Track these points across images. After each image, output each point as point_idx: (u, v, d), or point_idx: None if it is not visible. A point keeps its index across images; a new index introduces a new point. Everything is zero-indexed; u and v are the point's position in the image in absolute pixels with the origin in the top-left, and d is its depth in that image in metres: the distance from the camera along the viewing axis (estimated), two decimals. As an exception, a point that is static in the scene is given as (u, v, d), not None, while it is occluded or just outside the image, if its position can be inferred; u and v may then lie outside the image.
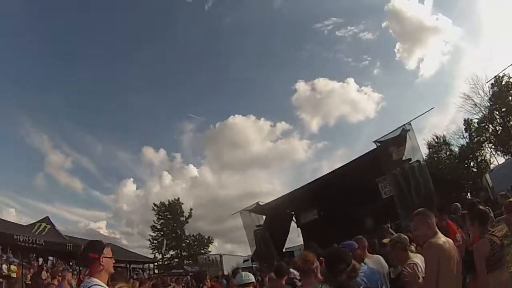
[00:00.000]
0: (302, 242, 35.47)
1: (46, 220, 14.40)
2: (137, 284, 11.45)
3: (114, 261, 3.56)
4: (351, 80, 72.21)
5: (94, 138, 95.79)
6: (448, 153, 37.97)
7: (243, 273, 4.99)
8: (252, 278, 4.72)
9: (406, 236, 5.02)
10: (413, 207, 20.75)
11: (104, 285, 3.21)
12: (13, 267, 21.01)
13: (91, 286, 3.13)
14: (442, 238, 3.77)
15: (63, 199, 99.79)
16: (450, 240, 3.90)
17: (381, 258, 5.63)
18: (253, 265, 36.78)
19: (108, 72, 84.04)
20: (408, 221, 20.08)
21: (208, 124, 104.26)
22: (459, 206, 11.35)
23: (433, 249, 3.67)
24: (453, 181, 32.80)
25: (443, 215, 7.29)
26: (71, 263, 26.21)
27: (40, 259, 24.17)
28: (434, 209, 19.42)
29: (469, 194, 33.95)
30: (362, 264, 4.46)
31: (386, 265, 5.56)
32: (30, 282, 15.23)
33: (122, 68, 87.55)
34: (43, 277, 14.81)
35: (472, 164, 37.18)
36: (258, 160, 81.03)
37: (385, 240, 6.29)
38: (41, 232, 13.21)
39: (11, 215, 61.39)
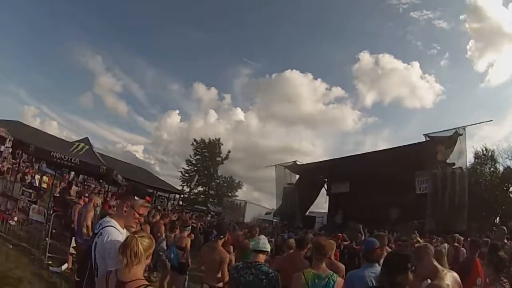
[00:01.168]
0: (326, 210, 36.11)
1: (85, 140, 14.71)
2: (158, 216, 11.75)
3: (140, 219, 3.45)
4: (416, 64, 70.67)
5: (148, 66, 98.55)
6: (492, 169, 36.27)
7: (262, 240, 4.82)
8: (268, 247, 4.68)
9: (431, 248, 4.93)
10: (443, 213, 20.58)
11: (120, 229, 3.19)
12: (45, 178, 21.93)
13: (106, 226, 3.13)
14: (446, 280, 3.48)
15: (106, 119, 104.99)
16: (455, 277, 3.68)
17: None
18: (274, 220, 37.49)
19: (172, 4, 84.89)
20: (432, 225, 19.98)
21: (263, 73, 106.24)
22: (505, 231, 10.83)
23: None
24: (488, 200, 31.84)
25: (474, 251, 6.86)
26: (101, 181, 27.23)
27: (72, 173, 25.17)
28: (461, 222, 19.30)
29: (498, 218, 32.98)
30: (376, 265, 4.36)
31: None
32: (58, 195, 15.76)
33: (188, 3, 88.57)
34: (71, 193, 15.32)
35: (511, 189, 35.20)
36: (306, 119, 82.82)
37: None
38: (78, 152, 13.50)
39: (53, 128, 64.43)
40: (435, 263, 3.59)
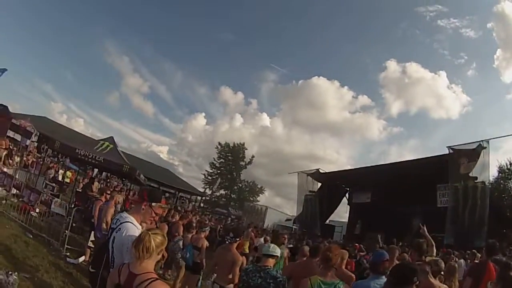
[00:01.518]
0: (346, 220, 36.00)
1: (110, 139, 15.09)
2: (177, 216, 11.93)
3: (155, 218, 3.65)
4: (443, 74, 70.08)
5: (176, 68, 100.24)
6: (515, 185, 35.26)
7: (272, 244, 4.98)
8: (277, 252, 4.76)
9: (441, 264, 4.94)
10: (462, 228, 20.33)
11: (137, 225, 3.35)
12: (68, 173, 22.33)
13: (124, 222, 3.29)
14: None
15: (132, 119, 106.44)
16: None
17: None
18: (293, 226, 37.50)
19: (201, 8, 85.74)
20: (451, 239, 19.71)
21: (290, 79, 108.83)
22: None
23: None
24: (509, 217, 31.28)
25: (490, 255, 6.76)
26: (123, 179, 27.58)
27: (96, 169, 25.56)
28: (480, 238, 18.99)
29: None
30: (383, 276, 4.41)
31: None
32: (80, 190, 16.06)
33: (216, 7, 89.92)
34: (93, 189, 15.57)
35: None
36: (331, 126, 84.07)
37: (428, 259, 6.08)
38: (102, 150, 13.82)
39: (79, 125, 66.12)
40: (432, 280, 3.54)
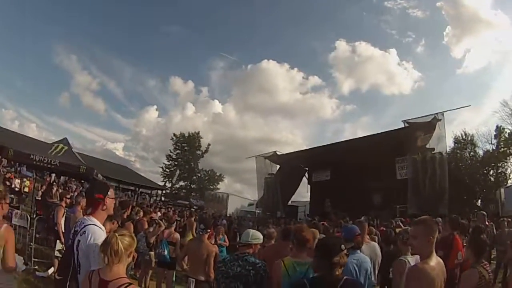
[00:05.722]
0: (308, 199, 36.68)
1: (64, 141, 14.55)
2: (141, 213, 11.72)
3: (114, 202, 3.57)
4: (393, 51, 71.65)
5: (124, 62, 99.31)
6: (471, 154, 36.96)
7: (251, 232, 4.70)
8: (259, 239, 4.69)
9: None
10: (424, 197, 20.92)
11: (101, 226, 3.23)
12: (26, 181, 21.60)
13: (89, 225, 3.16)
14: (431, 263, 3.31)
15: (85, 118, 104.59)
16: (441, 262, 3.43)
17: (376, 246, 5.62)
18: (256, 211, 37.72)
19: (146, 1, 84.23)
20: (414, 209, 20.25)
21: (240, 64, 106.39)
22: (485, 215, 11.08)
23: (418, 275, 3.27)
24: (468, 184, 32.46)
25: (453, 228, 6.89)
26: (82, 181, 26.88)
27: (53, 175, 24.82)
28: (443, 206, 19.59)
29: (479, 202, 33.73)
30: (358, 251, 4.45)
31: (380, 254, 5.57)
32: (40, 198, 15.53)
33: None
34: (53, 195, 15.09)
35: (491, 172, 35.64)
36: (284, 108, 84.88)
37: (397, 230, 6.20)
38: (57, 153, 13.33)
39: (32, 131, 63.65)
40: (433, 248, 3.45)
